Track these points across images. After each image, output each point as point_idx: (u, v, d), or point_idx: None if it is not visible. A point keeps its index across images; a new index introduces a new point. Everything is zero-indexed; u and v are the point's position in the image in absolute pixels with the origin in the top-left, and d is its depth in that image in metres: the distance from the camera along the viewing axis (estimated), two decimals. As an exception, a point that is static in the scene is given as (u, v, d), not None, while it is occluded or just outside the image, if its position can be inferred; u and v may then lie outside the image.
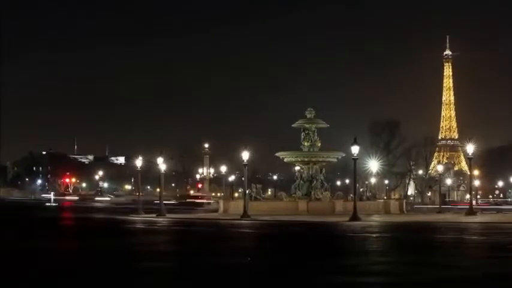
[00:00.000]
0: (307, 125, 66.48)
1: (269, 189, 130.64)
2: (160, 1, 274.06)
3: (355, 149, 50.80)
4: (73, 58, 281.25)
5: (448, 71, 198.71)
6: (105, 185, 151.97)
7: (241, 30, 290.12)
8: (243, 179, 64.43)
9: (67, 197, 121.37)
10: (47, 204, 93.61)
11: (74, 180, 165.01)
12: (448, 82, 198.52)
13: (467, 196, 74.90)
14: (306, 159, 65.94)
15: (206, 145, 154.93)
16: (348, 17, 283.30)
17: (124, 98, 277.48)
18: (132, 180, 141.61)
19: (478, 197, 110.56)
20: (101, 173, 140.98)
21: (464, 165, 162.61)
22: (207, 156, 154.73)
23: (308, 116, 66.72)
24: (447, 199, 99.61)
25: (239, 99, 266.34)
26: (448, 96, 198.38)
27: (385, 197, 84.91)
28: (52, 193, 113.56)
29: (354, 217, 46.69)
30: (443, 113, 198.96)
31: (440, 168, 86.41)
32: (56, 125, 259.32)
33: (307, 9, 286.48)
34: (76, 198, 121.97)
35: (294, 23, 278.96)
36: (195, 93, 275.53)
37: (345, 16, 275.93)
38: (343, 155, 65.05)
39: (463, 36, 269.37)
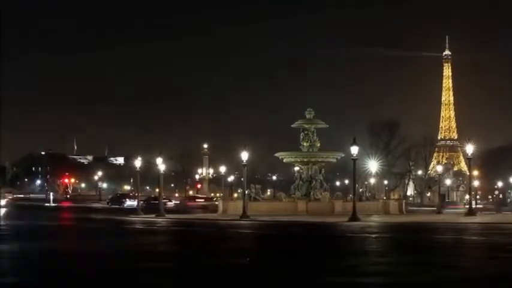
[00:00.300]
0: (306, 126, 66.52)
1: (268, 190, 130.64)
2: (160, 1, 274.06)
3: (354, 149, 50.83)
4: (73, 58, 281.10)
5: (447, 71, 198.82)
6: (104, 185, 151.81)
7: (242, 30, 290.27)
8: (242, 179, 64.42)
9: None
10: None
11: (73, 180, 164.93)
12: (447, 82, 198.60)
13: (467, 196, 74.89)
14: (305, 160, 65.96)
15: (205, 145, 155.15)
16: (348, 17, 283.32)
17: (124, 98, 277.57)
18: (132, 180, 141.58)
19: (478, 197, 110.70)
20: (100, 173, 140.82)
21: (463, 166, 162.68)
22: (206, 156, 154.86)
23: (307, 116, 66.76)
24: (447, 199, 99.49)
25: (239, 99, 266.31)
26: (447, 96, 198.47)
27: (385, 198, 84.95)
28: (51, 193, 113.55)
29: (353, 217, 46.69)
30: (442, 114, 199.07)
31: (439, 168, 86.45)
32: (55, 125, 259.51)
33: (307, 9, 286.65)
34: None
35: (294, 23, 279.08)
36: (195, 93, 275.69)
37: (345, 16, 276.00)
38: (343, 155, 65.06)
39: (463, 36, 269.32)
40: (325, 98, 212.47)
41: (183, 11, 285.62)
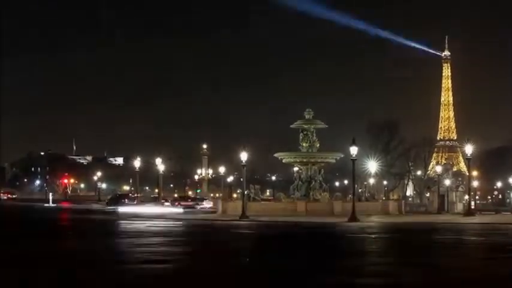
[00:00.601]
0: (305, 126, 66.49)
1: (268, 190, 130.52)
2: (160, 1, 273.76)
3: (353, 150, 50.86)
4: (73, 58, 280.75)
5: (446, 71, 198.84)
6: (104, 185, 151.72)
7: (241, 30, 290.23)
8: (241, 179, 64.38)
9: None
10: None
11: (72, 181, 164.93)
12: (446, 83, 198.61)
13: (466, 197, 74.80)
14: (304, 160, 65.91)
15: (204, 146, 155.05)
16: (347, 18, 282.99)
17: (124, 98, 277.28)
18: (131, 180, 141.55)
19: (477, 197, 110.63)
20: (99, 173, 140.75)
21: (462, 166, 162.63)
22: (206, 156, 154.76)
23: (307, 116, 66.72)
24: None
25: (239, 99, 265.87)
26: (446, 97, 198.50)
27: (384, 198, 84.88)
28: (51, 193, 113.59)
29: (353, 218, 46.70)
30: (441, 114, 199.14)
31: (438, 169, 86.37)
32: (55, 125, 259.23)
33: (307, 9, 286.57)
34: None
35: (294, 23, 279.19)
36: (195, 93, 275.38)
37: (345, 17, 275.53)
38: (342, 155, 64.97)
39: (463, 36, 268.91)
40: (324, 98, 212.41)
41: (183, 11, 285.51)
